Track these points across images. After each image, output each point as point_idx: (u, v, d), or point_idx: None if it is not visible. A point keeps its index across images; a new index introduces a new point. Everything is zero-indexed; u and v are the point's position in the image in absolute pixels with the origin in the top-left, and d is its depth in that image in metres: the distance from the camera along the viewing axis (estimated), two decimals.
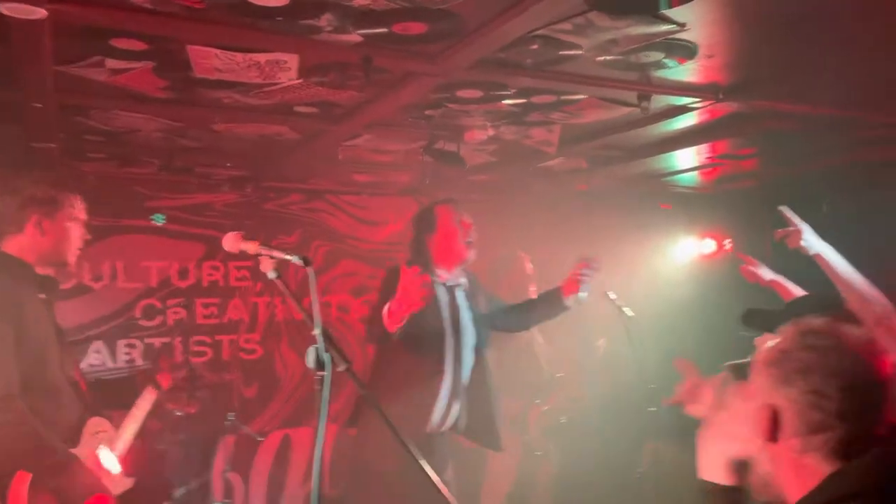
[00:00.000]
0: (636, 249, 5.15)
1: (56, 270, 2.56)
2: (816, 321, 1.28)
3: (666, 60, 2.41)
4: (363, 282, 5.11)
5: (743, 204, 4.80)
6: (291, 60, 2.36)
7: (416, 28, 2.12)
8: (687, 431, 1.89)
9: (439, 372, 3.07)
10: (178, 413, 3.97)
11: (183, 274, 4.64)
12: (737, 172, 4.56)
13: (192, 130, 3.29)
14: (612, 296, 4.24)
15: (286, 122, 3.14)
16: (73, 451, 2.40)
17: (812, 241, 2.32)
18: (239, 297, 4.76)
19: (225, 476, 3.98)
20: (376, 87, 2.67)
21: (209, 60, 2.33)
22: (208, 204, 4.72)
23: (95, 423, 2.55)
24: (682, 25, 2.08)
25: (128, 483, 2.65)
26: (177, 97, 2.77)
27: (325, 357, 1.67)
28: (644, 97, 2.73)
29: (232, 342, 4.72)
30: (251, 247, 1.86)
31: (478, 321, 3.23)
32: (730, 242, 4.97)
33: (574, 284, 3.22)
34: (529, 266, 4.55)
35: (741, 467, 1.62)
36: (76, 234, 2.54)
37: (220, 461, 4.06)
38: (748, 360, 1.37)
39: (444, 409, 3.09)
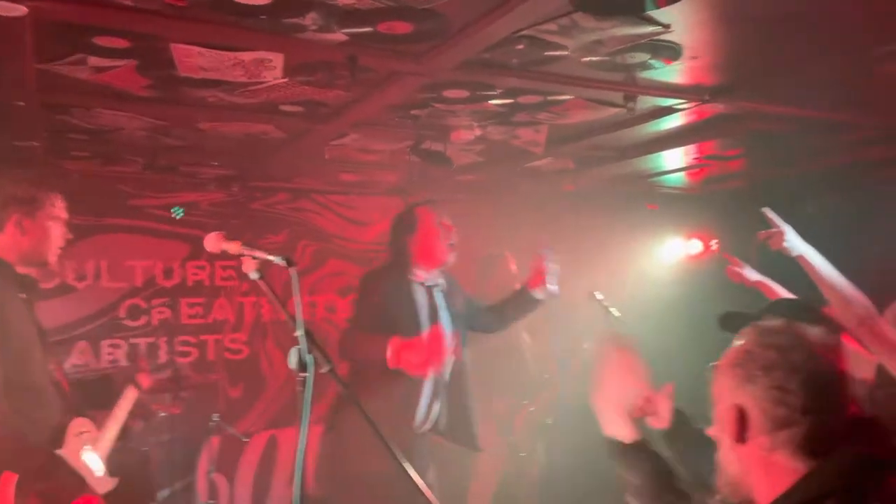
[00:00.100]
0: (623, 250, 5.17)
1: (37, 270, 2.53)
2: (776, 322, 1.32)
3: (652, 61, 2.41)
4: (350, 282, 5.09)
5: (730, 205, 4.82)
6: (276, 59, 2.34)
7: (402, 27, 2.11)
8: None
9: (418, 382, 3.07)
10: (163, 414, 3.95)
11: (168, 273, 4.60)
12: (724, 173, 4.59)
13: (177, 129, 3.27)
14: (599, 296, 4.25)
15: (272, 121, 3.12)
16: (59, 452, 2.39)
17: (794, 243, 2.34)
18: (224, 297, 4.73)
19: (209, 477, 3.95)
20: (362, 87, 2.66)
21: (193, 59, 2.31)
22: (194, 203, 4.69)
23: (79, 424, 2.54)
24: (666, 27, 2.08)
25: (111, 483, 2.63)
26: (161, 95, 2.75)
27: (308, 358, 1.66)
28: (630, 98, 2.74)
29: (217, 342, 4.69)
30: (233, 247, 1.85)
31: (456, 321, 3.23)
32: (716, 243, 4.99)
33: (537, 277, 3.25)
34: (514, 266, 4.56)
35: (638, 422, 1.72)
36: (57, 234, 2.52)
37: (204, 462, 4.03)
38: None
39: (426, 409, 3.09)
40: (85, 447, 2.52)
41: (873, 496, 1.18)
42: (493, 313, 3.41)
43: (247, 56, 2.30)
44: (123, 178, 4.42)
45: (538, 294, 3.27)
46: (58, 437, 2.43)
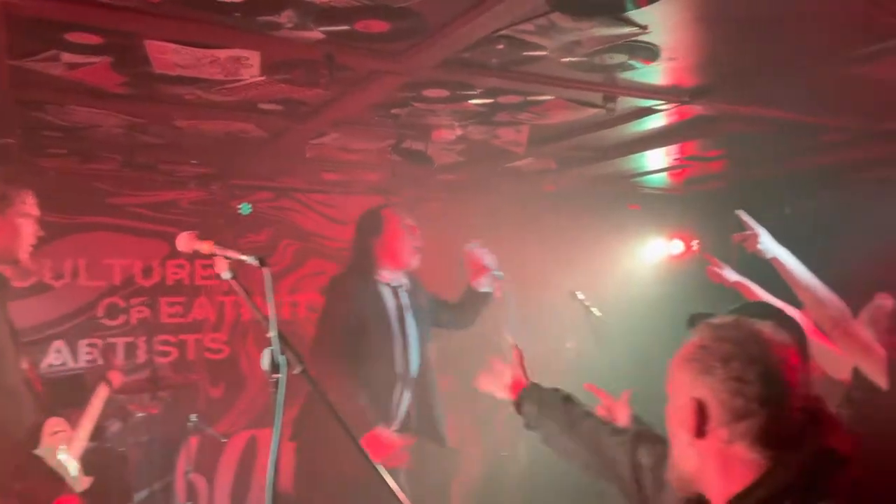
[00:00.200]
0: (605, 250, 5.18)
1: (8, 268, 2.50)
2: (727, 318, 1.35)
3: (631, 62, 2.41)
4: None
5: (711, 205, 4.84)
6: (253, 57, 2.32)
7: (378, 26, 2.10)
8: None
9: (391, 372, 3.08)
10: (141, 414, 3.91)
11: (147, 272, 4.56)
12: (705, 174, 4.61)
13: (155, 127, 3.23)
14: (581, 296, 4.26)
15: (251, 119, 3.09)
16: (36, 452, 2.37)
17: (769, 245, 2.35)
18: (205, 296, 4.69)
19: (187, 478, 3.91)
20: (341, 85, 2.64)
21: (167, 56, 2.28)
22: (173, 201, 4.64)
23: (53, 424, 2.52)
24: (643, 28, 2.08)
25: (86, 482, 2.61)
26: (136, 93, 2.72)
27: (281, 359, 1.64)
28: (609, 99, 2.74)
29: (197, 342, 4.65)
30: (205, 247, 1.83)
31: (421, 320, 3.26)
32: (697, 243, 5.01)
33: (475, 273, 3.33)
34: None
35: None
36: (28, 231, 2.49)
37: (182, 463, 4.00)
38: None
39: (402, 408, 3.11)
40: (60, 447, 2.50)
41: (829, 490, 1.20)
42: (454, 311, 3.46)
43: (222, 53, 2.28)
44: (101, 176, 4.37)
45: (483, 287, 3.32)
46: (33, 437, 2.41)
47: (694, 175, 4.65)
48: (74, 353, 4.31)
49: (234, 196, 4.74)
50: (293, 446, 3.11)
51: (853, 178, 4.24)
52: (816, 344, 2.48)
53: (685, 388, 1.30)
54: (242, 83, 2.59)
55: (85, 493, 2.61)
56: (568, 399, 1.98)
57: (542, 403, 2.00)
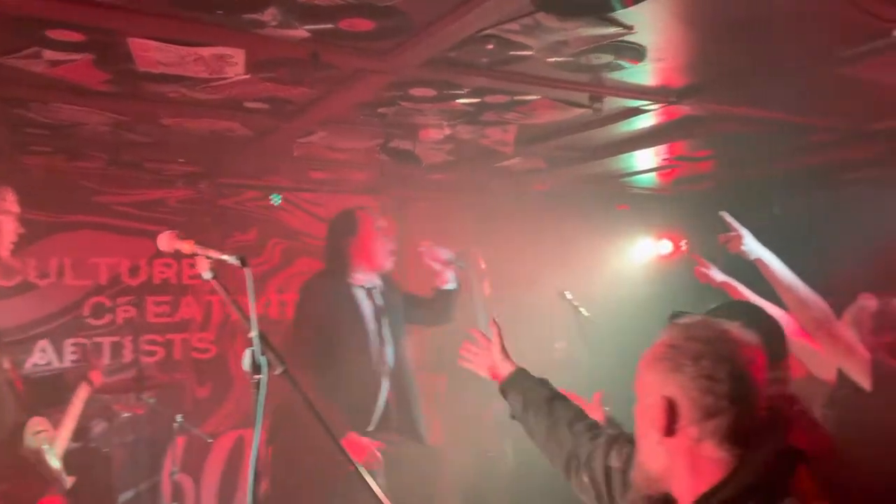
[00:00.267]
0: (594, 250, 5.19)
1: None
2: (695, 318, 1.37)
3: (617, 62, 2.41)
4: None
5: (699, 205, 4.85)
6: (237, 55, 2.30)
7: (363, 25, 2.08)
8: None
9: (367, 373, 3.09)
10: (126, 414, 3.89)
11: (134, 271, 4.52)
12: (693, 174, 4.61)
13: (140, 125, 3.21)
14: (569, 296, 4.25)
15: (236, 117, 3.07)
16: (21, 452, 2.36)
17: (752, 246, 2.35)
18: (192, 295, 4.66)
19: (173, 478, 3.88)
20: (327, 84, 2.63)
21: (151, 53, 2.26)
22: (160, 200, 4.61)
23: (35, 423, 2.51)
24: (629, 28, 2.08)
25: (69, 482, 2.59)
26: (120, 90, 2.69)
27: (262, 360, 1.63)
28: (596, 99, 2.74)
29: (184, 341, 4.62)
30: (186, 246, 1.82)
31: (396, 319, 3.27)
32: (686, 243, 5.02)
33: (437, 272, 3.36)
34: (483, 264, 4.53)
35: None
36: (8, 229, 2.47)
37: (169, 463, 3.97)
38: None
39: (381, 409, 3.11)
40: (43, 446, 2.49)
41: (792, 488, 1.22)
42: (427, 308, 3.47)
43: (206, 51, 2.26)
44: (88, 174, 4.33)
45: (448, 284, 3.35)
46: (16, 437, 2.40)
47: (683, 175, 4.66)
48: (60, 352, 4.28)
49: (221, 195, 4.72)
50: (270, 450, 3.10)
51: (842, 178, 4.26)
52: (801, 344, 2.49)
53: (655, 387, 1.31)
54: (227, 81, 2.57)
55: (69, 494, 2.60)
56: (551, 397, 1.97)
57: (527, 398, 2.00)
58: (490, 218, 5.17)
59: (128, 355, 4.42)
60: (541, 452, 1.97)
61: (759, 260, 2.33)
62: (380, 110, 3.03)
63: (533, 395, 2.00)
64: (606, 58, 2.35)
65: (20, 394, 2.53)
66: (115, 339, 4.41)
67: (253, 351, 1.63)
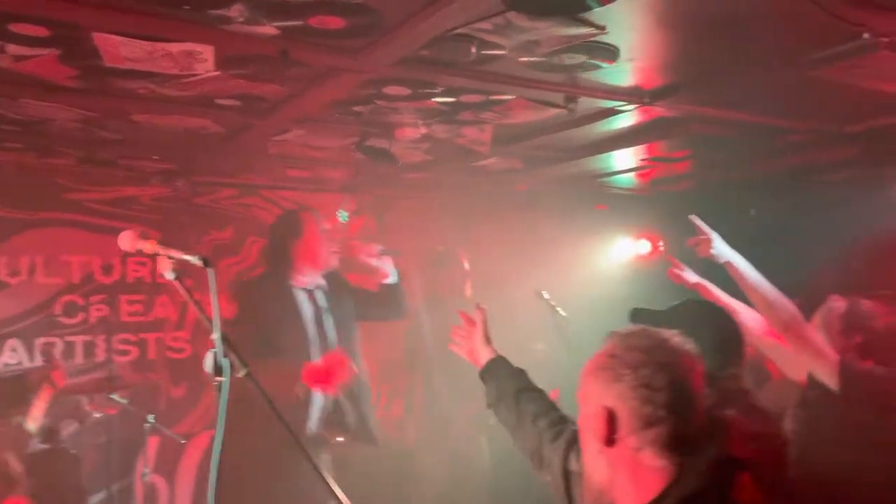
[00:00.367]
0: (573, 250, 5.19)
1: None
2: (634, 328, 1.38)
3: (591, 62, 2.40)
4: None
5: (677, 206, 4.86)
6: (206, 51, 2.27)
7: (334, 22, 2.06)
8: None
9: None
10: (98, 415, 3.83)
11: (107, 269, 4.45)
12: (672, 175, 4.63)
13: (110, 121, 3.16)
14: (546, 295, 4.25)
15: (209, 114, 3.03)
16: None
17: (722, 249, 2.36)
18: (166, 294, 4.60)
19: (145, 479, 3.84)
20: (299, 82, 2.61)
21: (117, 49, 2.22)
22: (134, 197, 4.54)
23: None
24: (601, 28, 2.07)
25: (32, 483, 2.55)
26: (88, 86, 2.64)
27: (224, 362, 1.61)
28: (571, 99, 2.73)
29: (159, 340, 4.56)
30: (148, 246, 1.78)
31: (343, 319, 3.22)
32: (663, 244, 5.04)
33: (373, 271, 3.35)
34: (467, 264, 4.53)
35: None
36: None
37: (141, 464, 3.92)
38: None
39: (320, 410, 3.06)
40: (6, 447, 2.45)
41: (732, 495, 1.23)
42: (378, 303, 3.43)
43: (174, 48, 2.22)
44: (60, 171, 4.26)
45: (389, 279, 3.35)
46: None
47: (660, 176, 4.67)
48: (31, 351, 4.21)
49: (197, 193, 4.66)
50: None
51: (817, 180, 4.29)
52: (773, 345, 2.51)
53: (595, 397, 1.32)
54: (198, 78, 2.53)
55: (36, 496, 2.56)
56: (520, 389, 1.95)
57: (500, 388, 1.99)
58: (469, 217, 5.16)
59: (101, 354, 4.35)
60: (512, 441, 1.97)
61: (728, 263, 2.34)
62: (355, 108, 3.01)
63: (505, 385, 1.99)
64: (579, 58, 2.34)
65: None
66: (88, 338, 4.34)
67: (215, 353, 1.60)
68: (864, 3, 1.92)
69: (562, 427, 1.77)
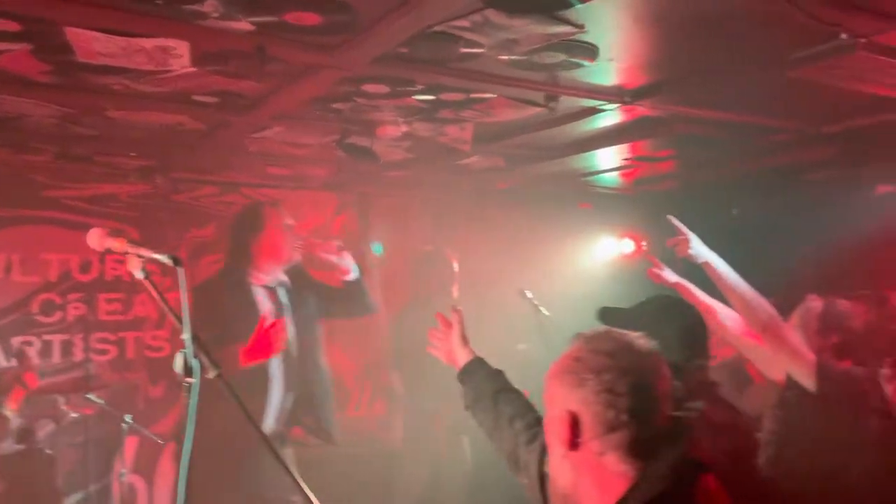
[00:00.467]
0: (557, 249, 5.19)
1: None
2: (599, 330, 1.37)
3: (571, 61, 2.39)
4: None
5: (661, 205, 4.87)
6: (181, 47, 2.24)
7: (310, 19, 2.04)
8: None
9: (265, 375, 2.98)
10: (74, 415, 3.78)
11: (85, 267, 4.40)
12: (655, 174, 4.64)
13: (86, 117, 3.11)
14: (529, 294, 4.25)
15: (186, 111, 2.99)
16: None
17: (699, 250, 2.36)
18: (146, 293, 4.54)
19: (122, 479, 3.80)
20: (278, 79, 2.58)
21: (90, 44, 2.19)
22: (113, 194, 4.49)
23: None
24: (580, 27, 2.06)
25: (3, 485, 2.51)
26: (62, 82, 2.60)
27: (194, 363, 1.58)
28: (551, 98, 2.72)
29: (137, 339, 4.51)
30: (117, 244, 1.75)
31: (305, 316, 3.16)
32: (647, 243, 5.05)
33: (332, 269, 3.22)
34: (456, 264, 4.48)
35: None
36: None
37: (119, 464, 3.88)
38: None
39: (279, 408, 2.99)
40: None
41: (693, 499, 1.22)
42: (340, 301, 3.33)
43: (148, 43, 2.19)
44: (36, 168, 4.20)
45: (350, 276, 3.23)
46: None
47: (644, 175, 4.68)
48: (7, 351, 4.15)
49: (176, 190, 4.62)
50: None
51: (798, 179, 4.31)
52: (752, 345, 2.51)
53: (560, 400, 1.31)
54: (173, 74, 2.50)
55: (8, 497, 2.52)
56: (498, 390, 1.94)
57: (477, 390, 1.97)
58: (453, 217, 5.15)
59: (78, 354, 4.30)
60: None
61: (706, 263, 2.34)
62: (334, 106, 2.98)
63: (483, 386, 1.97)
64: (559, 56, 2.33)
65: None
66: (66, 337, 4.29)
67: (185, 353, 1.58)
68: (840, 3, 1.92)
69: (538, 429, 1.76)
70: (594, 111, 3.00)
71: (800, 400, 2.39)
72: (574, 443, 1.26)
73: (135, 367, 4.47)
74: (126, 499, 3.99)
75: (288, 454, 3.02)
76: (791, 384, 2.41)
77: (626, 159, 4.16)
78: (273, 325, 2.81)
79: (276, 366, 3.00)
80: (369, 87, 2.70)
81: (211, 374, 1.60)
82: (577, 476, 1.28)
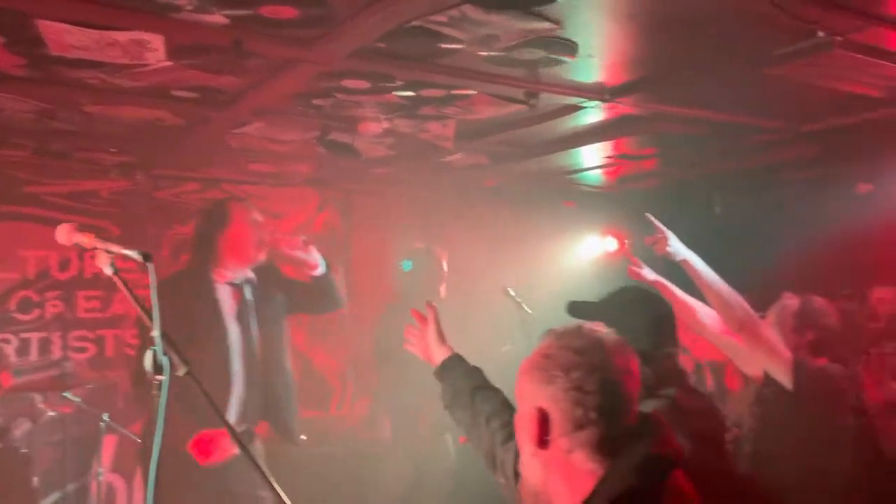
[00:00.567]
0: (540, 246, 5.19)
1: None
2: (570, 326, 1.35)
3: (551, 58, 2.39)
4: None
5: (644, 203, 4.87)
6: (155, 41, 2.21)
7: (287, 12, 2.02)
8: None
9: (226, 373, 2.92)
10: (52, 413, 3.74)
11: (63, 265, 4.34)
12: (638, 172, 4.64)
13: (63, 112, 3.07)
14: (512, 292, 4.23)
15: (164, 106, 2.96)
16: None
17: (678, 248, 2.36)
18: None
19: (99, 479, 3.75)
20: (256, 73, 2.55)
21: (62, 37, 2.16)
22: (93, 191, 4.44)
23: None
24: (556, 23, 2.05)
25: None
26: (37, 75, 2.57)
27: (164, 360, 1.56)
28: (532, 95, 2.71)
29: (117, 337, 4.46)
30: (86, 240, 1.72)
31: (271, 313, 3.10)
32: (629, 241, 5.05)
33: (299, 265, 3.15)
34: (445, 265, 4.43)
35: None
36: None
37: (97, 463, 3.83)
38: None
39: (241, 407, 2.96)
40: None
41: (661, 497, 1.21)
42: (308, 296, 3.24)
43: (122, 36, 2.16)
44: (14, 164, 4.14)
45: (317, 271, 3.15)
46: None
47: (627, 173, 4.69)
48: None
49: (158, 186, 4.57)
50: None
51: (781, 178, 4.33)
52: (730, 342, 2.51)
53: (529, 397, 1.30)
54: (150, 68, 2.47)
55: None
56: (475, 388, 1.91)
57: (455, 389, 1.94)
58: (437, 214, 5.13)
59: (56, 352, 4.25)
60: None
61: (684, 261, 2.34)
62: (315, 101, 2.96)
63: (461, 383, 1.94)
64: (539, 53, 2.33)
65: None
66: (43, 334, 4.24)
67: (154, 351, 1.55)
68: (819, 0, 1.92)
69: (511, 431, 1.75)
70: (575, 108, 3.00)
71: (777, 397, 2.40)
72: (543, 440, 1.26)
73: (114, 365, 4.41)
74: (104, 498, 3.95)
75: (257, 450, 2.98)
76: (768, 381, 2.42)
77: (609, 157, 4.16)
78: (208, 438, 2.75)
79: (237, 363, 2.96)
80: (349, 83, 2.68)
81: (180, 372, 1.58)
82: (547, 474, 1.28)
